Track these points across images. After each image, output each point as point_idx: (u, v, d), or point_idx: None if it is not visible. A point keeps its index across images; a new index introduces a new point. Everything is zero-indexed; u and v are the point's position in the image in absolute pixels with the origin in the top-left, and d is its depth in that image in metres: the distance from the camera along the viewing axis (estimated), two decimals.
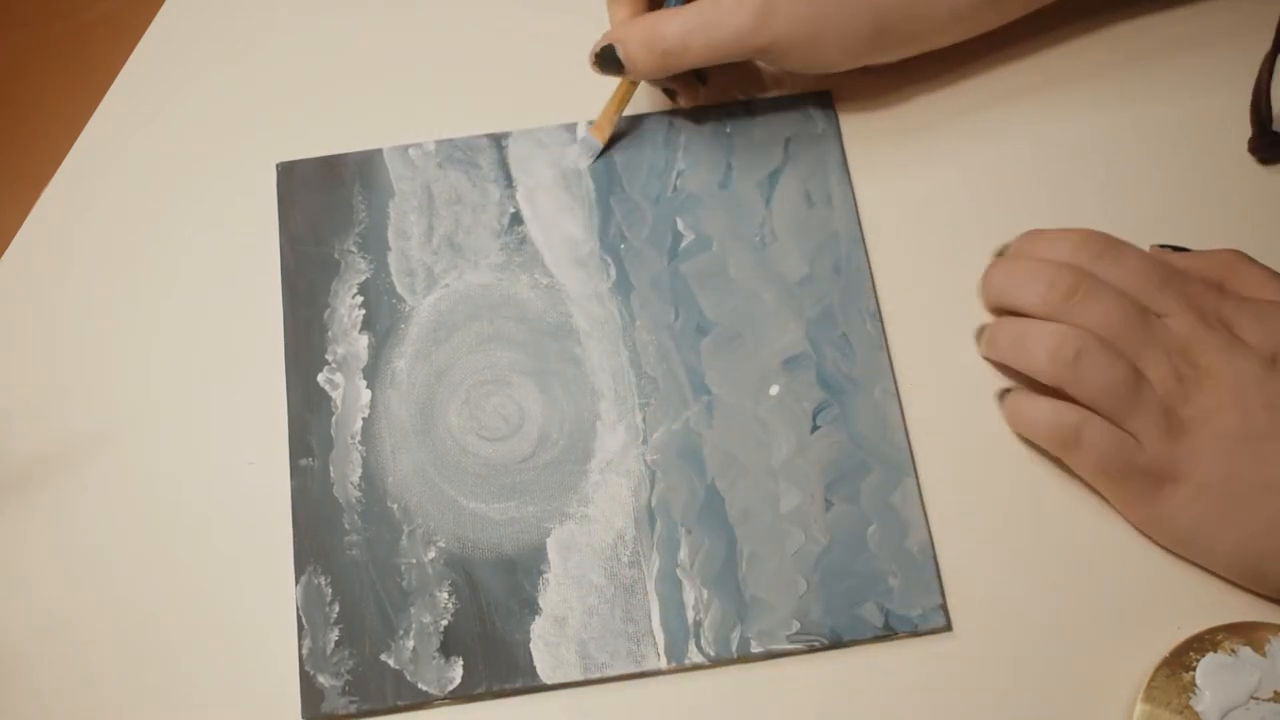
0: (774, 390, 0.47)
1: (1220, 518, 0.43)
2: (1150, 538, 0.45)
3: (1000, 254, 0.48)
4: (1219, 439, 0.43)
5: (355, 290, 0.49)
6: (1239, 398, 0.43)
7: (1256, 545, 0.42)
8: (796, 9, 0.46)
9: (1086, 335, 0.44)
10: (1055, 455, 0.45)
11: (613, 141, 0.51)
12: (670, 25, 0.46)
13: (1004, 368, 0.47)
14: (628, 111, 0.51)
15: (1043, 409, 0.45)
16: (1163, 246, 0.48)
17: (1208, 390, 0.43)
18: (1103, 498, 0.45)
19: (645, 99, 0.53)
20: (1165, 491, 0.43)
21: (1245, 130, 0.50)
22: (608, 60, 0.48)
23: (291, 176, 0.52)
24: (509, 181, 0.51)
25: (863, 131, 0.52)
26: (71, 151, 0.53)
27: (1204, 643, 0.42)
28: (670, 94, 0.51)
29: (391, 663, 0.44)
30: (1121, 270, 0.45)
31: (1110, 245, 0.46)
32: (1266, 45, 0.49)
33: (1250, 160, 0.51)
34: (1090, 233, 0.46)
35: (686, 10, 0.47)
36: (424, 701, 0.43)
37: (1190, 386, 0.43)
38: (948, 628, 0.44)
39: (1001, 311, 0.48)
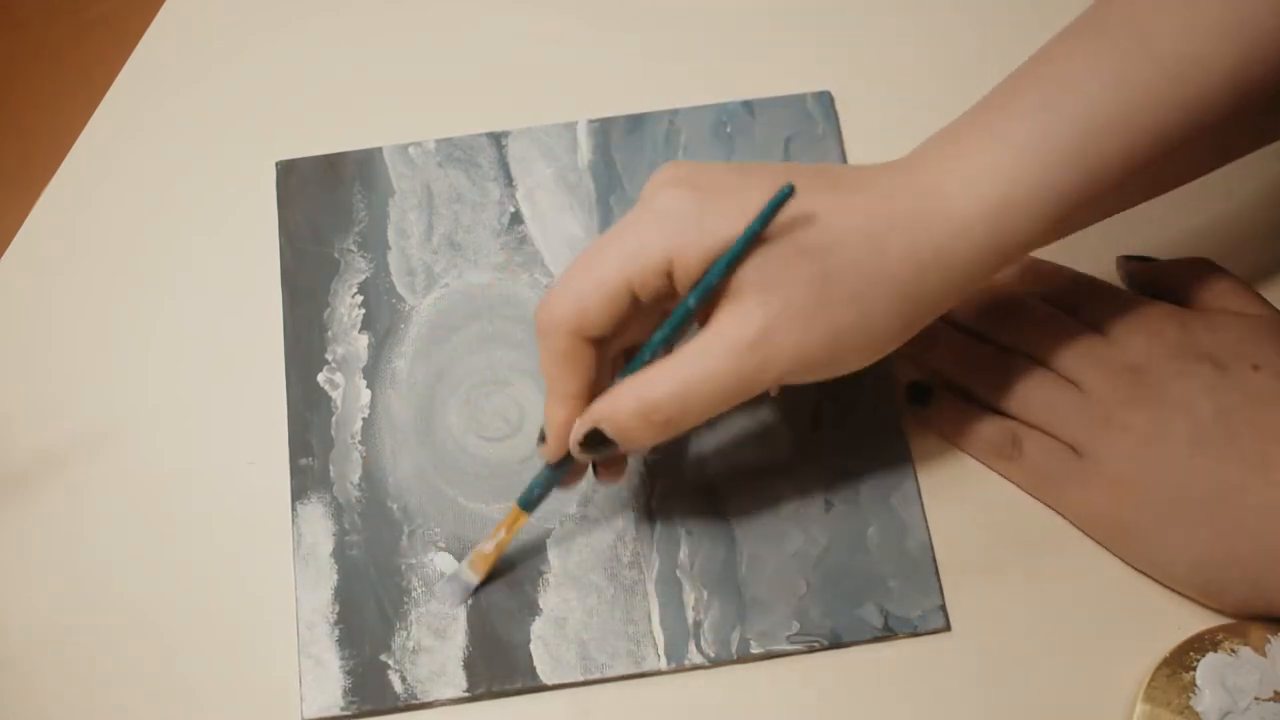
0: (773, 390, 0.47)
1: (1176, 526, 0.42)
2: (1114, 554, 0.44)
3: None
4: (1169, 444, 0.42)
5: (355, 289, 0.49)
6: (1189, 404, 0.42)
7: (1216, 554, 0.42)
8: (804, 326, 0.38)
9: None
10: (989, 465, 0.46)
11: None
12: (660, 388, 0.38)
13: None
14: None
15: (979, 426, 0.46)
16: (1129, 257, 0.48)
17: (1156, 396, 0.43)
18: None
19: (646, 97, 0.53)
20: (1115, 500, 0.43)
21: None
22: (596, 444, 0.40)
23: (291, 175, 0.51)
24: (509, 180, 0.51)
25: (863, 131, 0.52)
26: (71, 151, 0.52)
27: (1204, 643, 0.42)
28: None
29: (391, 663, 0.44)
30: (1067, 290, 0.46)
31: (1057, 272, 0.47)
32: None
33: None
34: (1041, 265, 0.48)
35: (670, 366, 0.38)
36: (424, 702, 0.43)
37: (1138, 392, 0.43)
38: (947, 628, 0.44)
39: None
